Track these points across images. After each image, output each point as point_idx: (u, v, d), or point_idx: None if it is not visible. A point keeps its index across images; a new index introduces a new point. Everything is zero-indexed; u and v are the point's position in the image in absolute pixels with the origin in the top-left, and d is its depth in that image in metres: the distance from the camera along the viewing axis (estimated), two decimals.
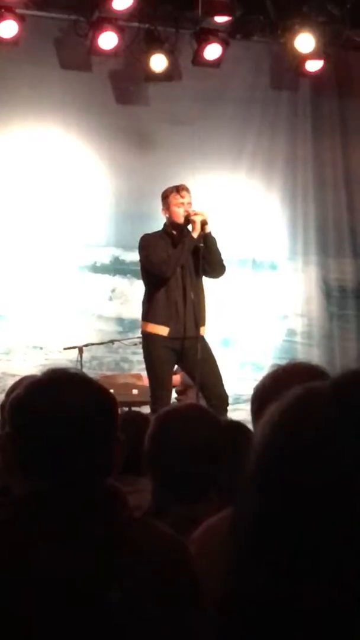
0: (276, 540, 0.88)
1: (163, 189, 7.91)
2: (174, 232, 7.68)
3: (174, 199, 7.67)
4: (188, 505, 2.93)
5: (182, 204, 7.65)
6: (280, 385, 2.22)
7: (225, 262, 7.90)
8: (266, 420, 0.94)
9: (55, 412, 2.14)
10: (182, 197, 7.67)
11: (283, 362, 3.03)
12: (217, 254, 7.72)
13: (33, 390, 2.21)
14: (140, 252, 7.77)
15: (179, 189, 7.71)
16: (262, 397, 2.58)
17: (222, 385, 7.66)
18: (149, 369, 7.74)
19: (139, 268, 8.02)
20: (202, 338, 7.62)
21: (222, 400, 7.55)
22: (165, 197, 7.72)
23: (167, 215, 7.71)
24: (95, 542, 2.07)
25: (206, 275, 7.74)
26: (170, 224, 7.71)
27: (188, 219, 7.61)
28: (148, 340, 7.69)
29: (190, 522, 2.82)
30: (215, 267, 7.75)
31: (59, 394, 2.17)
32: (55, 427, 2.12)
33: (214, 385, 7.60)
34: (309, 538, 0.86)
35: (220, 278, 7.98)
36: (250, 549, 0.90)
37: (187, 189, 7.72)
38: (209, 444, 3.03)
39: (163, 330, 7.58)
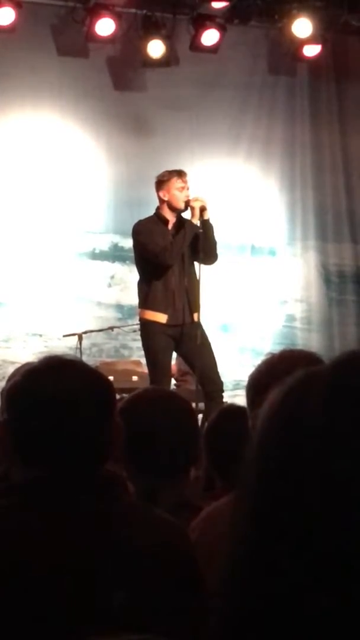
0: (275, 533, 0.86)
1: None
2: (168, 218, 7.63)
3: (176, 182, 7.58)
4: (176, 490, 2.91)
5: (184, 188, 7.59)
6: (275, 374, 2.22)
7: (223, 248, 7.86)
8: (266, 406, 0.93)
9: (52, 399, 2.14)
10: (183, 182, 7.61)
11: (282, 347, 3.02)
12: (213, 241, 7.65)
13: (30, 377, 2.21)
14: (135, 240, 7.67)
15: (180, 174, 7.64)
16: (257, 385, 2.57)
17: (217, 371, 7.63)
18: (148, 356, 7.68)
19: None
20: (200, 324, 7.58)
21: (217, 386, 7.54)
22: (167, 180, 7.61)
23: (167, 199, 7.62)
24: (95, 528, 2.07)
25: (200, 262, 7.63)
26: (169, 207, 7.63)
27: (187, 205, 7.56)
28: (146, 328, 7.63)
29: (182, 507, 2.81)
30: (210, 254, 7.66)
31: (56, 380, 2.17)
32: (52, 413, 2.13)
33: (210, 372, 7.57)
34: (309, 528, 0.84)
35: (219, 264, 7.94)
36: (249, 542, 0.88)
37: (186, 175, 7.68)
38: (181, 425, 3.00)
39: (161, 318, 7.52)
